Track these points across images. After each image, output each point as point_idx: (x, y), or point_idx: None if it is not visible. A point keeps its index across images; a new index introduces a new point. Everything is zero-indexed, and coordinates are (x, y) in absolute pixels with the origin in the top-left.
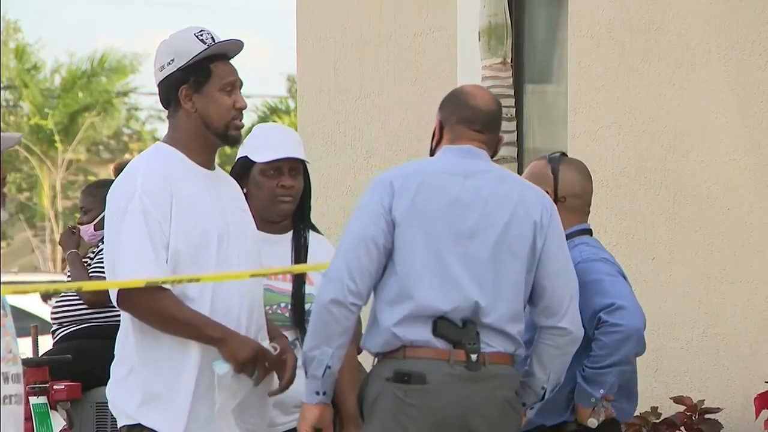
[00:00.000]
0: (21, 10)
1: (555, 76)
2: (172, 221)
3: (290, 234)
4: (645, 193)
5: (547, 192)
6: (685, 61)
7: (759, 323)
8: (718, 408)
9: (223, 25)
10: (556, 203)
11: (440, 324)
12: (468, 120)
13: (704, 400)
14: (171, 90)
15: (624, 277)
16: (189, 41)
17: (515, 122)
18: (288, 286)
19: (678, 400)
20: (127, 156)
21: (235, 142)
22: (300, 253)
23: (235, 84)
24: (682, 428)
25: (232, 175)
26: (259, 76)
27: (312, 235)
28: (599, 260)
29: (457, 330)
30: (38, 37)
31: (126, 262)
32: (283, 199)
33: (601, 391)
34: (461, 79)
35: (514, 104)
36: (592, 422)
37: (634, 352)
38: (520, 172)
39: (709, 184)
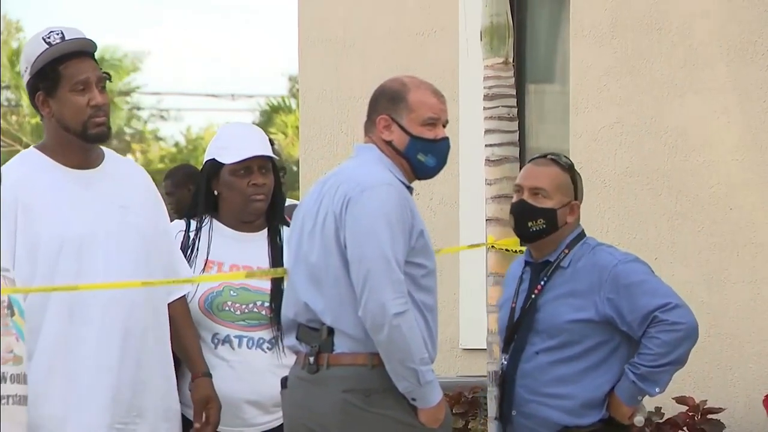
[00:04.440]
0: (23, 10)
1: (557, 76)
2: (18, 229)
3: (265, 232)
4: (647, 193)
5: (570, 203)
6: (687, 60)
7: (761, 324)
8: (721, 408)
9: (225, 23)
10: (577, 211)
11: (300, 329)
12: None
13: (707, 400)
14: (31, 97)
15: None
16: (36, 46)
17: (517, 122)
18: (264, 284)
19: (681, 400)
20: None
21: (99, 139)
22: (276, 250)
23: (88, 81)
24: (685, 428)
25: (201, 178)
26: (260, 75)
27: (287, 231)
28: (635, 261)
29: (311, 333)
30: None
31: None
32: (255, 198)
33: (657, 389)
34: (463, 78)
35: (515, 104)
36: (639, 420)
37: (690, 350)
38: None
39: (711, 184)
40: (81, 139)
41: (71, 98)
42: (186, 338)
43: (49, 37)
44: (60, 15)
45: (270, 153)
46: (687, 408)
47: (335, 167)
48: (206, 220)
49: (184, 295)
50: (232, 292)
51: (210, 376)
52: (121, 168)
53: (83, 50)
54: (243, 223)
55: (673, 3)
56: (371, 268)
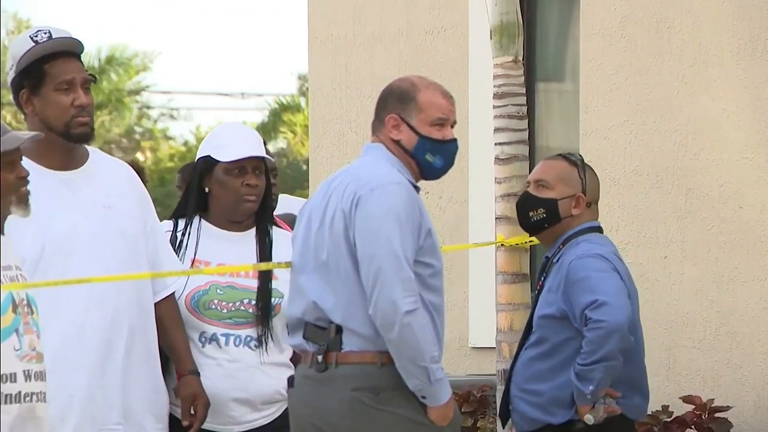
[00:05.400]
0: (33, 9)
1: (567, 75)
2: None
3: (253, 231)
4: (657, 192)
5: (575, 196)
6: (697, 59)
7: None
8: (729, 407)
9: (235, 22)
10: (584, 207)
11: (308, 328)
12: None
13: (714, 399)
14: (15, 96)
15: (619, 272)
16: (23, 43)
17: (527, 121)
18: (251, 282)
19: (688, 399)
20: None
21: (82, 139)
22: (264, 249)
23: (73, 81)
24: (692, 427)
25: (194, 175)
26: (270, 74)
27: (275, 231)
28: (591, 256)
29: (319, 332)
30: None
31: None
32: (248, 198)
33: (591, 388)
34: (473, 76)
35: (525, 103)
36: (589, 419)
37: (619, 347)
38: (531, 170)
39: (721, 183)
40: (64, 139)
41: (55, 97)
42: (174, 336)
43: (36, 36)
44: (70, 14)
45: (264, 154)
46: (695, 407)
47: (345, 166)
48: (194, 219)
49: (172, 294)
50: (218, 290)
51: (198, 373)
52: (106, 168)
53: (70, 50)
54: (231, 223)
55: (683, 1)
56: (381, 266)
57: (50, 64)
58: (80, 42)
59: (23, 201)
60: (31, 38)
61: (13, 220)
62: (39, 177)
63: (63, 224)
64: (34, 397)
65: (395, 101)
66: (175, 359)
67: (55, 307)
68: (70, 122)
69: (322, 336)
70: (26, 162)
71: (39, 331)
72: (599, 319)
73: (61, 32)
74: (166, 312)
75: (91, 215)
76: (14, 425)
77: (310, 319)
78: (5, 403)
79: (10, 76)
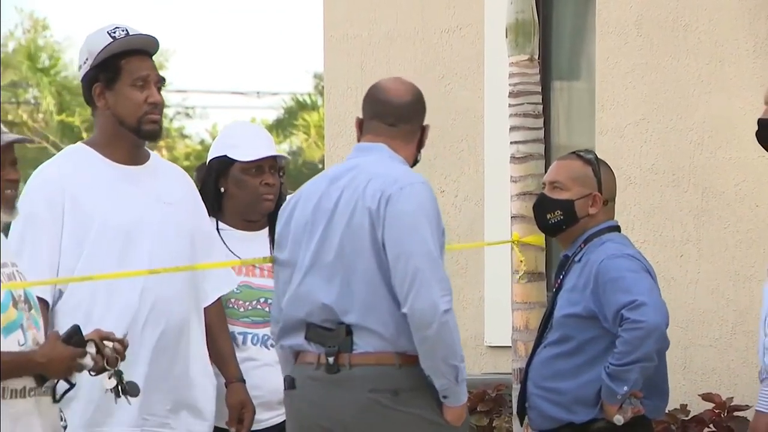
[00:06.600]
0: (49, 8)
1: (582, 73)
2: (65, 220)
3: (266, 231)
4: (673, 190)
5: (591, 195)
6: (713, 57)
7: None
8: (747, 405)
9: (251, 21)
10: (601, 206)
11: (310, 329)
12: (380, 115)
13: (733, 397)
14: (87, 89)
15: (649, 272)
16: (101, 39)
17: (542, 119)
18: (267, 282)
19: (707, 397)
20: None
21: (152, 137)
22: None
23: (148, 79)
24: (711, 426)
25: (210, 175)
26: (286, 72)
27: None
28: (622, 256)
29: (325, 333)
30: (66, 35)
31: (29, 264)
32: (266, 197)
33: (625, 388)
34: (488, 75)
35: (541, 101)
36: (618, 419)
37: (656, 348)
38: (547, 169)
39: (737, 181)
40: (134, 134)
41: (130, 92)
42: (221, 343)
43: (114, 32)
44: (85, 13)
45: (279, 153)
46: (713, 405)
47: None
48: (211, 220)
49: (219, 300)
50: (235, 289)
51: (244, 381)
52: (166, 168)
53: (145, 49)
54: (246, 222)
55: None
56: (419, 265)
57: (126, 60)
58: (157, 41)
59: (10, 204)
60: (109, 34)
61: (80, 207)
62: (105, 169)
63: (126, 215)
64: (40, 391)
65: (424, 112)
66: (221, 366)
67: (114, 296)
68: (143, 118)
69: (329, 337)
70: (93, 154)
71: (38, 327)
72: (638, 320)
73: (135, 30)
74: (214, 317)
75: (153, 209)
76: (20, 419)
77: (316, 320)
78: (11, 397)
79: (83, 70)
